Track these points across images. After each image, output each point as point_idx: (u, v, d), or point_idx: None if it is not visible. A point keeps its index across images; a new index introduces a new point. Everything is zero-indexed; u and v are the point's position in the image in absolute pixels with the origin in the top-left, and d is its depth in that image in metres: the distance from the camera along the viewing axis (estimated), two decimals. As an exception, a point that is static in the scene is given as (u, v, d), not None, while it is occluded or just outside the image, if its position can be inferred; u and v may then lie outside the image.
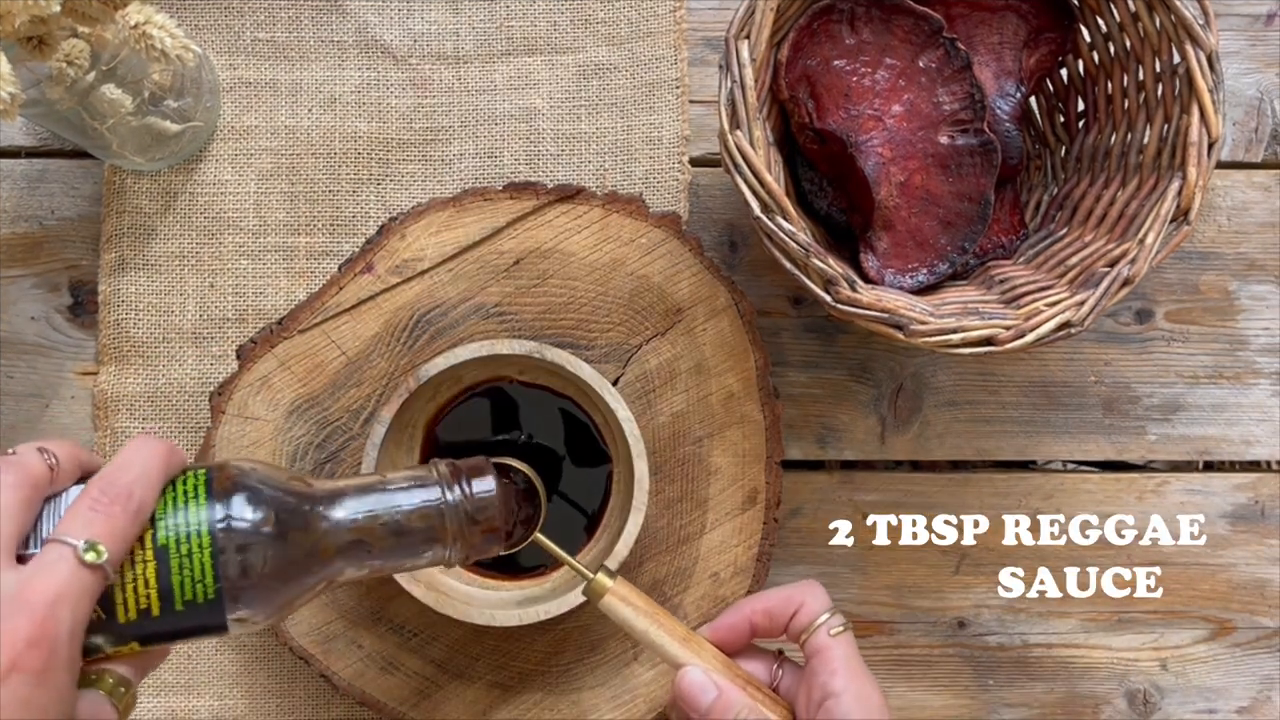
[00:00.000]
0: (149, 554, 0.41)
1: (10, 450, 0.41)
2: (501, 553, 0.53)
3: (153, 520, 0.41)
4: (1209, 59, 0.55)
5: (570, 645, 0.63)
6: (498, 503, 0.47)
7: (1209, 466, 0.69)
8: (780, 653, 0.54)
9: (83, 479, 0.43)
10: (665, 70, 0.68)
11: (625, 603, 0.51)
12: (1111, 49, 0.62)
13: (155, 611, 0.41)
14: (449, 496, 0.47)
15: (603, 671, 0.63)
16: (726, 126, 0.55)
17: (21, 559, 0.39)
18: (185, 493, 0.42)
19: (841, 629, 0.50)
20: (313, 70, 0.68)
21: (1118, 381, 0.69)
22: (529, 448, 0.62)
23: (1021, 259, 0.64)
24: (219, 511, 0.42)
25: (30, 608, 0.36)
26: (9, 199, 0.68)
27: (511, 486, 0.53)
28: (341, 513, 0.45)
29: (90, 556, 0.38)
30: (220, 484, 0.43)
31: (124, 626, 0.41)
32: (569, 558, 0.53)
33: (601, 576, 0.52)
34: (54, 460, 0.41)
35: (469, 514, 0.47)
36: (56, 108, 0.55)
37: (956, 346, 0.54)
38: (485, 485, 0.47)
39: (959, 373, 0.68)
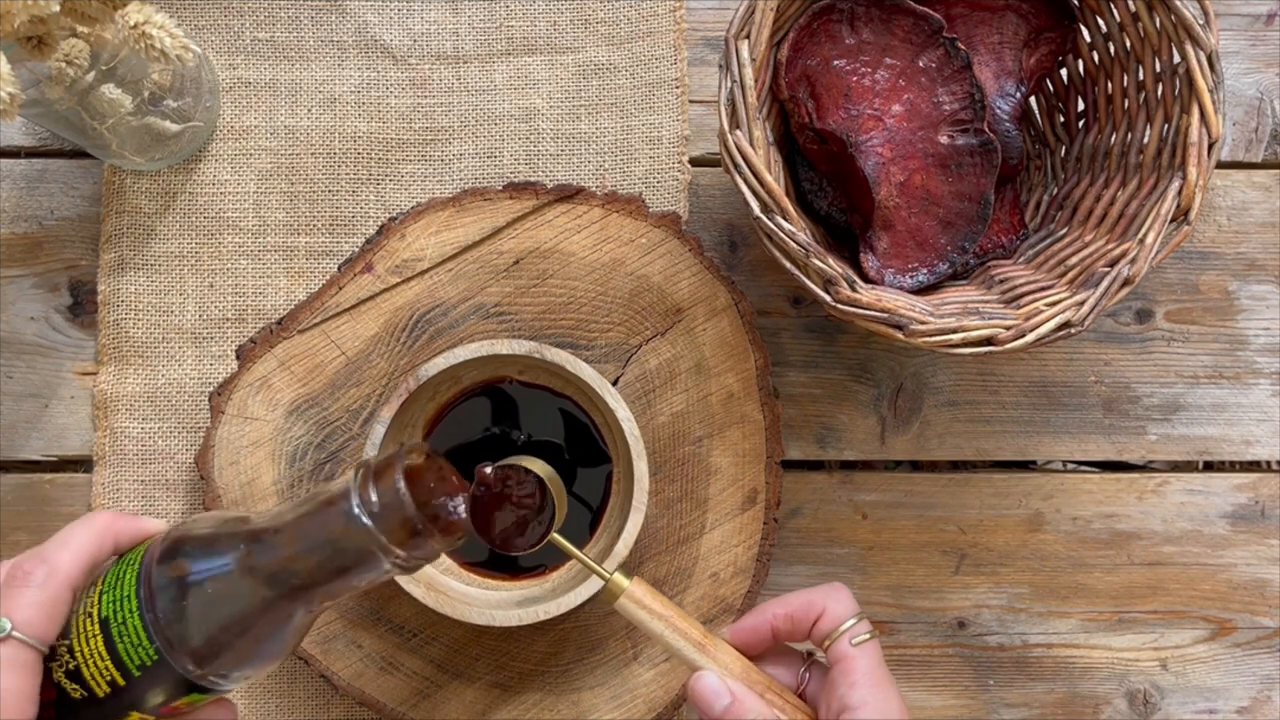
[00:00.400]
0: (95, 628, 0.41)
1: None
2: (524, 551, 0.52)
3: (100, 595, 0.42)
4: (1209, 59, 0.55)
5: (570, 645, 0.63)
6: (406, 500, 0.43)
7: (1209, 466, 0.69)
8: (810, 655, 0.52)
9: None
10: (665, 70, 0.68)
11: (640, 605, 0.50)
12: (1111, 49, 0.62)
13: (120, 681, 0.41)
14: (356, 505, 0.43)
15: (602, 671, 0.63)
16: (726, 126, 0.55)
17: None
18: (128, 562, 0.43)
19: (866, 637, 0.49)
20: (312, 70, 0.68)
21: (1118, 381, 0.69)
22: (530, 446, 0.62)
23: (1021, 259, 0.64)
24: (144, 574, 0.42)
25: None
26: (9, 199, 0.67)
27: (439, 476, 0.48)
28: (263, 550, 0.43)
29: None
30: (155, 547, 0.43)
31: (108, 701, 0.41)
32: (587, 559, 0.52)
33: (618, 577, 0.51)
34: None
35: (383, 518, 0.43)
36: (56, 107, 0.55)
37: (956, 346, 0.54)
38: (385, 485, 0.43)
39: (959, 373, 0.68)
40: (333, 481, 0.45)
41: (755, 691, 0.49)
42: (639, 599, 0.50)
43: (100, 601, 0.42)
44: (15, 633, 0.40)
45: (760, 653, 0.52)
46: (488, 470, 0.50)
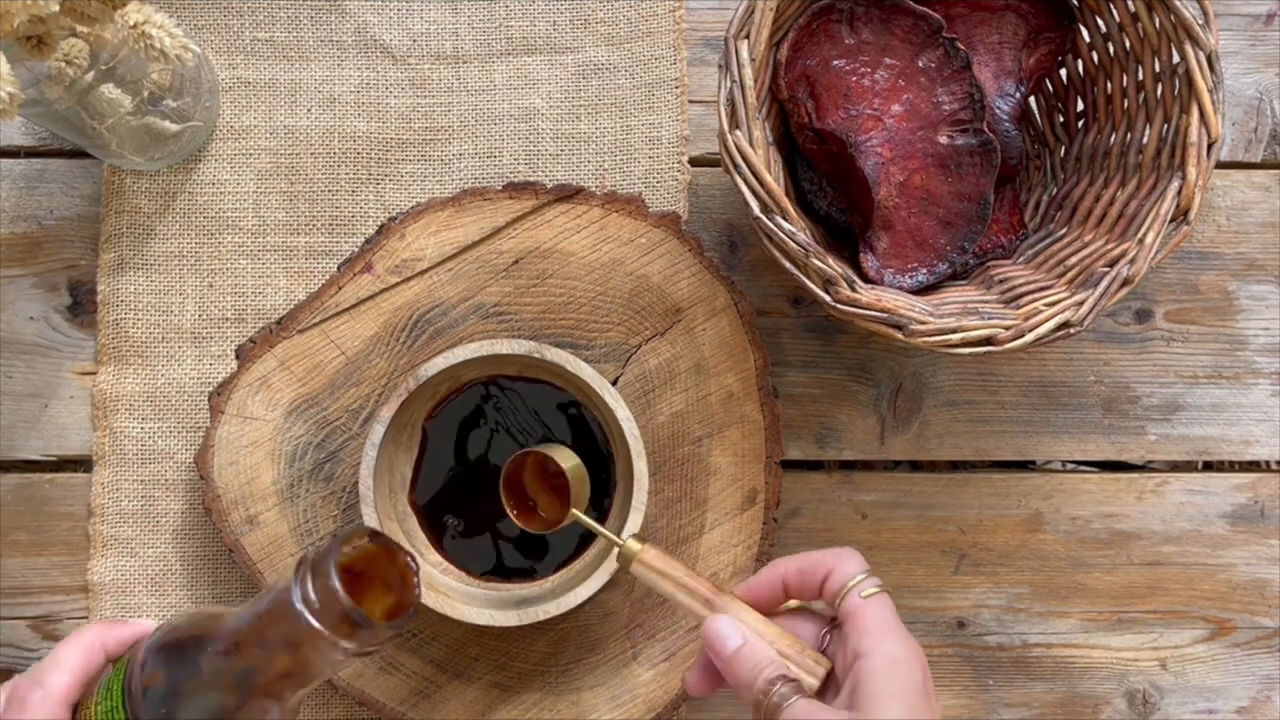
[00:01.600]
0: None
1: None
2: (545, 531, 0.56)
3: (95, 706, 0.44)
4: (1209, 59, 0.55)
5: (570, 645, 0.63)
6: (342, 597, 0.44)
7: (1209, 466, 0.69)
8: (833, 619, 0.53)
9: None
10: (664, 70, 0.68)
11: (652, 569, 0.52)
12: (1111, 49, 0.62)
13: None
14: (299, 602, 0.44)
15: (602, 671, 0.63)
16: (726, 126, 0.55)
17: None
18: (117, 671, 0.45)
19: (875, 590, 0.49)
20: (312, 70, 0.68)
21: (1117, 381, 0.69)
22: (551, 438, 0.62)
23: (1021, 259, 0.64)
24: (127, 684, 0.44)
25: None
26: (8, 199, 0.67)
27: (379, 562, 0.48)
28: (226, 654, 0.44)
29: None
30: (137, 656, 0.45)
31: None
32: (601, 528, 0.54)
33: (631, 542, 0.53)
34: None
35: (324, 614, 0.44)
36: (55, 107, 0.55)
37: (956, 346, 0.54)
38: (322, 583, 0.44)
39: (959, 373, 0.68)
40: (282, 578, 0.46)
41: (766, 640, 0.50)
42: (650, 561, 0.52)
43: (95, 712, 0.44)
44: None
45: (773, 609, 0.52)
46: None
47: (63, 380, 0.67)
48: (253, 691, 0.44)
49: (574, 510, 0.55)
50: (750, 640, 0.49)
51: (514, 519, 0.57)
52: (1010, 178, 0.66)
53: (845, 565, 0.50)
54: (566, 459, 0.57)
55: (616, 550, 0.53)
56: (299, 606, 0.43)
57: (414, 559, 0.48)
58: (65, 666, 0.45)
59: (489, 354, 0.58)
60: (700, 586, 0.51)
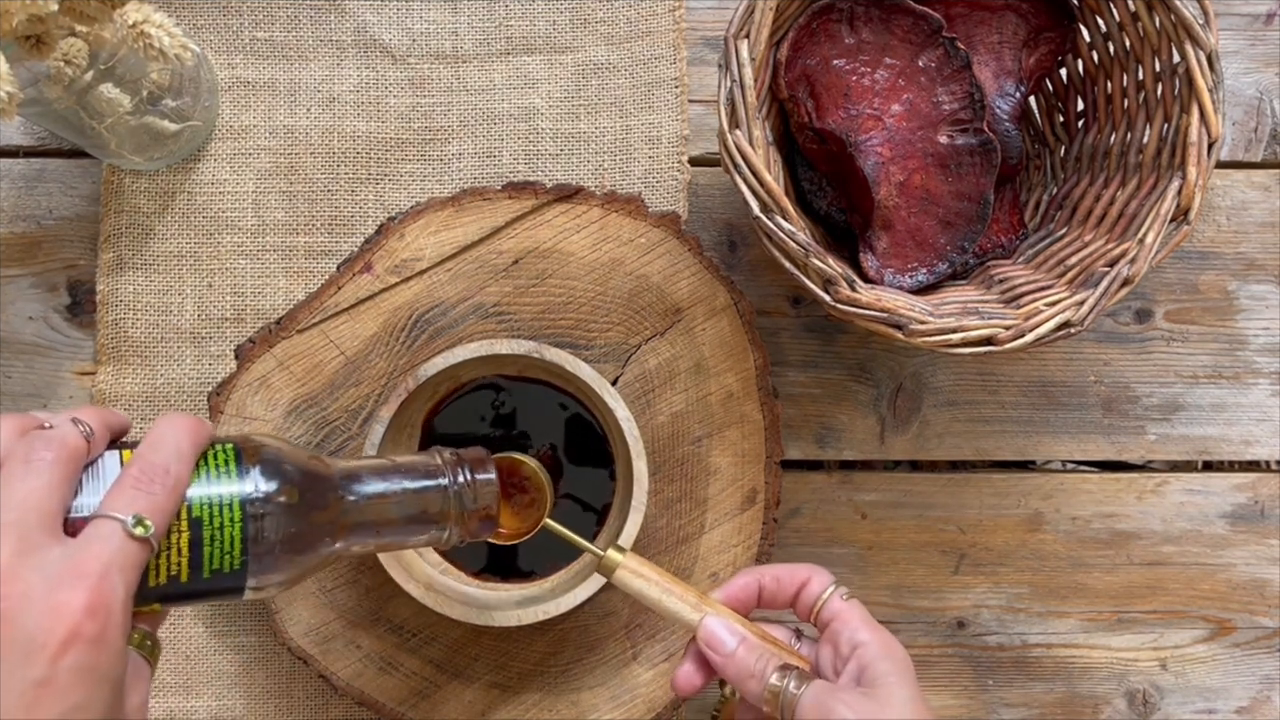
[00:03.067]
0: (184, 525, 0.42)
1: (46, 424, 0.42)
2: (514, 542, 0.56)
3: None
4: (1209, 58, 0.55)
5: (569, 645, 0.63)
6: (495, 492, 0.50)
7: (1208, 466, 0.69)
8: (797, 630, 0.54)
9: (113, 441, 0.44)
10: (664, 69, 0.68)
11: (637, 575, 0.53)
12: (1111, 49, 0.62)
13: (184, 578, 0.42)
14: (452, 483, 0.49)
15: (602, 671, 0.63)
16: (726, 126, 0.55)
17: (65, 525, 0.40)
18: (216, 466, 0.44)
19: (850, 596, 0.52)
20: (311, 69, 0.68)
21: (1117, 381, 0.69)
22: (515, 441, 0.62)
23: (1021, 259, 0.64)
24: (249, 487, 0.44)
25: (85, 578, 0.38)
26: (7, 198, 0.67)
27: (505, 478, 0.55)
28: (357, 492, 0.48)
29: (139, 530, 0.40)
30: (249, 459, 0.44)
31: (151, 590, 0.42)
32: (579, 539, 0.54)
33: (612, 552, 0.53)
34: (89, 430, 0.42)
35: (469, 501, 0.49)
36: (54, 107, 0.55)
37: (956, 346, 0.54)
38: (486, 475, 0.50)
39: (959, 373, 0.68)
40: (426, 455, 0.50)
41: (756, 636, 0.52)
42: (635, 569, 0.53)
43: (190, 501, 0.43)
44: (152, 537, 0.40)
45: (745, 614, 0.54)
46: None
47: (62, 380, 0.67)
48: (353, 536, 0.47)
49: (547, 520, 0.55)
50: (748, 637, 0.51)
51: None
52: (1010, 178, 0.66)
53: (821, 575, 0.53)
54: (528, 467, 0.57)
55: (598, 562, 0.53)
56: (455, 490, 0.49)
57: (548, 494, 0.57)
58: (189, 463, 0.43)
59: (489, 354, 0.58)
60: (687, 593, 0.52)
